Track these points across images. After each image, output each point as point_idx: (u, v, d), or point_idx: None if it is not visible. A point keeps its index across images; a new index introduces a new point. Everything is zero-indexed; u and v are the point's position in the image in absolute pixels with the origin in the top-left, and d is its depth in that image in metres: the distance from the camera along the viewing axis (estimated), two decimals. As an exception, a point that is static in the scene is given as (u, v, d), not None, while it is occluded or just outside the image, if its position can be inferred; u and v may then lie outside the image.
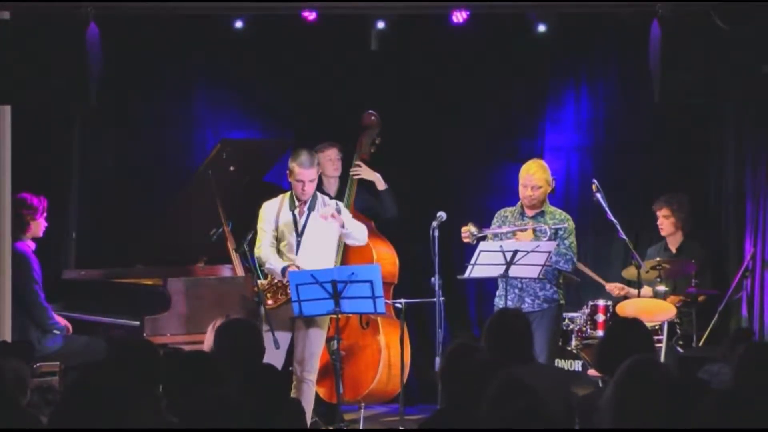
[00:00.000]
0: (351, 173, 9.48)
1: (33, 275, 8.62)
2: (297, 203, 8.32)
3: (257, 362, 5.97)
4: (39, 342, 8.53)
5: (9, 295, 8.58)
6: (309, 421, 8.59)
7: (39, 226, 8.77)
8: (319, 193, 8.48)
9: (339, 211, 8.32)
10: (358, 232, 8.43)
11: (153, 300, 8.66)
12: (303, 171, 8.21)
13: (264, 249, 8.33)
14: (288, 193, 8.39)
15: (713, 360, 6.19)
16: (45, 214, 8.78)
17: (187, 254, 9.42)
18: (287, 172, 8.32)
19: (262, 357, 5.95)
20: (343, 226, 8.29)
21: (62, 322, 8.79)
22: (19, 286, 8.61)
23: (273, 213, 8.37)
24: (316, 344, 8.26)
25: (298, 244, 8.29)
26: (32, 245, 8.76)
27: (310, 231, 8.28)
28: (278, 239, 8.34)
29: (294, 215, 8.32)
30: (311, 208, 8.32)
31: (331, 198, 8.71)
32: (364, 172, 9.50)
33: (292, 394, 8.08)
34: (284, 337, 8.25)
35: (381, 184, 9.48)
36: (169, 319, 8.55)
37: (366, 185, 9.55)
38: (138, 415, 4.93)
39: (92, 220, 10.01)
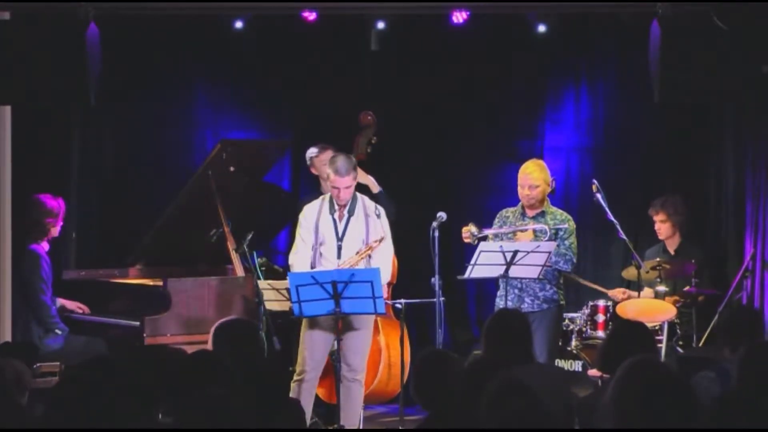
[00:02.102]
0: None
1: (41, 274, 8.64)
2: (336, 207, 8.29)
3: (256, 362, 5.97)
4: (40, 341, 8.54)
5: (9, 295, 8.60)
6: (362, 418, 8.69)
7: (57, 229, 8.81)
8: (359, 195, 8.45)
9: (379, 215, 8.29)
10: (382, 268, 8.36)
11: (153, 300, 8.66)
12: (338, 179, 8.16)
13: (296, 256, 8.32)
14: (328, 196, 8.35)
15: (713, 361, 6.18)
16: (63, 216, 8.83)
17: (187, 254, 9.41)
18: (325, 175, 8.31)
19: (261, 356, 5.94)
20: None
21: (70, 305, 8.84)
22: (26, 283, 8.63)
23: (312, 219, 8.31)
24: (360, 344, 8.25)
25: (339, 248, 8.27)
26: (46, 246, 8.78)
27: (351, 235, 8.26)
28: (320, 243, 8.31)
29: (334, 219, 8.30)
30: (351, 212, 8.29)
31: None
32: (358, 175, 9.48)
33: (343, 395, 8.18)
34: (327, 339, 8.27)
35: (375, 187, 9.46)
36: (169, 319, 8.55)
37: (362, 187, 9.54)
38: (130, 416, 4.94)
39: (92, 220, 10.02)
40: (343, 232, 8.27)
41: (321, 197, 8.43)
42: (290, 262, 8.36)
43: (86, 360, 5.20)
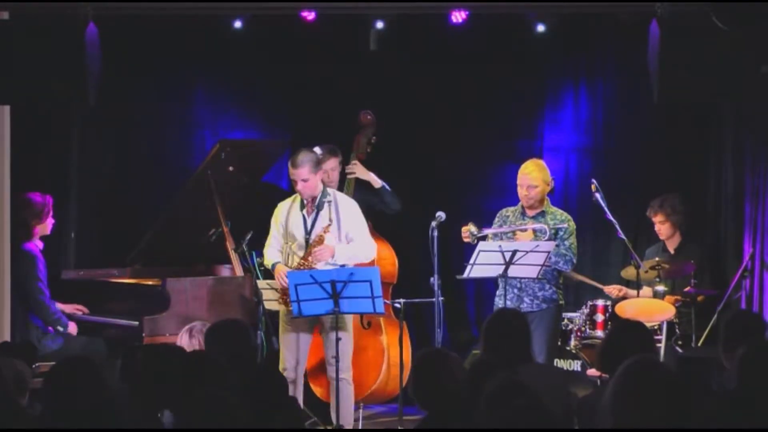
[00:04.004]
0: (347, 172, 9.49)
1: (37, 273, 8.64)
2: (306, 203, 8.34)
3: (251, 362, 5.98)
4: (39, 342, 8.54)
5: (8, 295, 8.60)
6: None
7: (46, 227, 8.80)
8: (330, 190, 8.48)
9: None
10: (356, 256, 8.40)
11: (152, 300, 8.67)
12: (293, 171, 8.27)
13: (267, 248, 8.45)
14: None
15: (713, 361, 6.18)
16: (51, 212, 8.80)
17: (187, 254, 9.42)
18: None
19: (255, 356, 5.93)
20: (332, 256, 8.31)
21: (68, 308, 8.83)
22: (23, 284, 8.64)
23: (283, 214, 8.43)
24: (343, 342, 8.24)
25: (307, 242, 8.31)
26: (40, 245, 8.78)
27: (319, 230, 8.29)
28: (291, 240, 8.37)
29: (303, 215, 8.34)
30: (320, 207, 8.32)
31: None
32: (358, 170, 9.50)
33: (331, 396, 8.29)
34: (305, 339, 8.31)
35: (376, 183, 9.48)
36: (168, 319, 8.55)
37: (365, 184, 9.55)
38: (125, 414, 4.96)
39: (92, 220, 10.02)
40: (311, 227, 8.31)
41: (293, 195, 8.47)
42: (263, 252, 8.46)
43: (63, 359, 5.22)
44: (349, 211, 8.42)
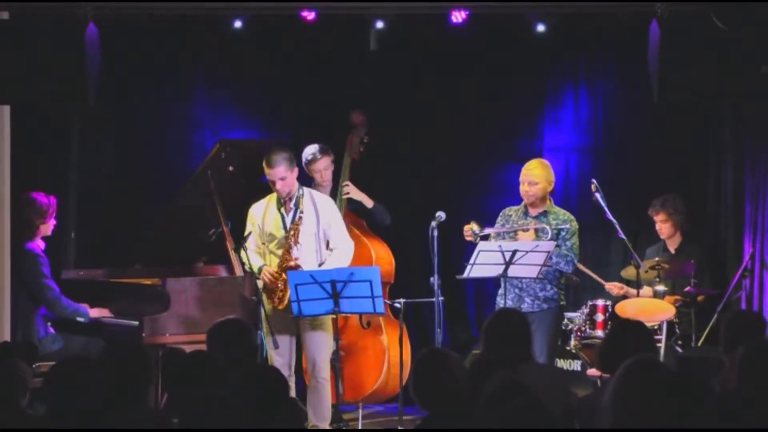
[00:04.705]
0: (341, 191, 9.48)
1: (42, 271, 8.63)
2: (283, 201, 8.35)
3: (251, 361, 5.98)
4: (39, 342, 8.54)
5: (8, 295, 8.59)
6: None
7: (48, 227, 8.80)
8: (307, 189, 8.51)
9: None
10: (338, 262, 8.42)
11: (152, 300, 8.67)
12: (269, 171, 8.30)
13: (247, 251, 8.44)
14: (275, 194, 8.42)
15: (713, 361, 6.18)
16: (55, 213, 8.81)
17: (187, 254, 9.42)
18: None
19: (255, 356, 5.93)
20: None
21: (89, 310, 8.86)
22: (30, 285, 8.63)
23: (258, 216, 8.47)
24: (319, 346, 8.28)
25: (287, 239, 8.33)
26: (42, 244, 8.78)
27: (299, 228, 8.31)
28: (268, 240, 8.38)
29: (282, 214, 8.36)
30: (297, 205, 8.35)
31: None
32: (352, 191, 9.50)
33: (309, 395, 8.34)
34: (292, 340, 8.32)
35: (369, 202, 9.49)
36: (168, 319, 8.56)
37: (355, 201, 9.56)
38: (123, 414, 4.96)
39: (92, 220, 10.02)
40: (290, 224, 8.32)
41: (267, 196, 8.51)
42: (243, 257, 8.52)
43: (62, 359, 5.22)
44: (326, 207, 8.48)
